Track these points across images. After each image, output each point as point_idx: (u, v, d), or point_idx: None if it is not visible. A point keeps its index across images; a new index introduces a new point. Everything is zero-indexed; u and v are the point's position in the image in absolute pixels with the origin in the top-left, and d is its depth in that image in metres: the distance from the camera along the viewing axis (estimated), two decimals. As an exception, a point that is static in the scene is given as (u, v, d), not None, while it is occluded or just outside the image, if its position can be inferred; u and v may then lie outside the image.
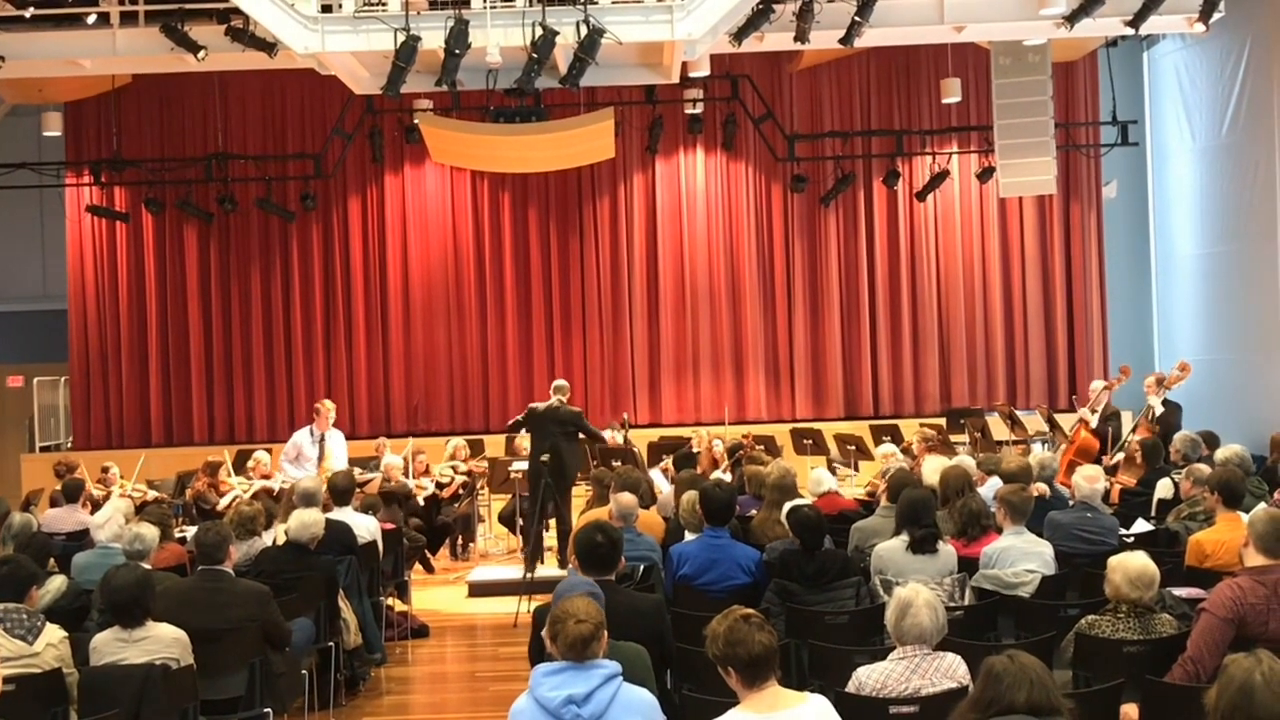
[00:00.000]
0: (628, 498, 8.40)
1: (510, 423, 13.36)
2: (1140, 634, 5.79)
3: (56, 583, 7.27)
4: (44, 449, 18.73)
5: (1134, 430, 12.37)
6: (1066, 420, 14.84)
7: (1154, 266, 18.86)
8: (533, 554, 11.98)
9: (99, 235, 18.83)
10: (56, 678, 5.90)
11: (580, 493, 13.43)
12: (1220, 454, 9.25)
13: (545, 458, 11.99)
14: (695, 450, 14.20)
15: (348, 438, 14.53)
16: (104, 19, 13.50)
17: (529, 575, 11.55)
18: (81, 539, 10.02)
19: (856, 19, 12.70)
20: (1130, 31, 13.65)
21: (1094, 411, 13.11)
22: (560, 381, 13.00)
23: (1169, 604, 6.07)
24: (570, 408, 12.69)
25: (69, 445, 18.94)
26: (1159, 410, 12.39)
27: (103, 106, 18.09)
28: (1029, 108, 15.45)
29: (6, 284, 20.13)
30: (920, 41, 15.92)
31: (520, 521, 13.50)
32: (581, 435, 12.77)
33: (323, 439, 13.63)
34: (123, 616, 6.12)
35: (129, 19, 13.47)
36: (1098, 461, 11.94)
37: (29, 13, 13.39)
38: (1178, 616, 5.96)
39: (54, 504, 11.86)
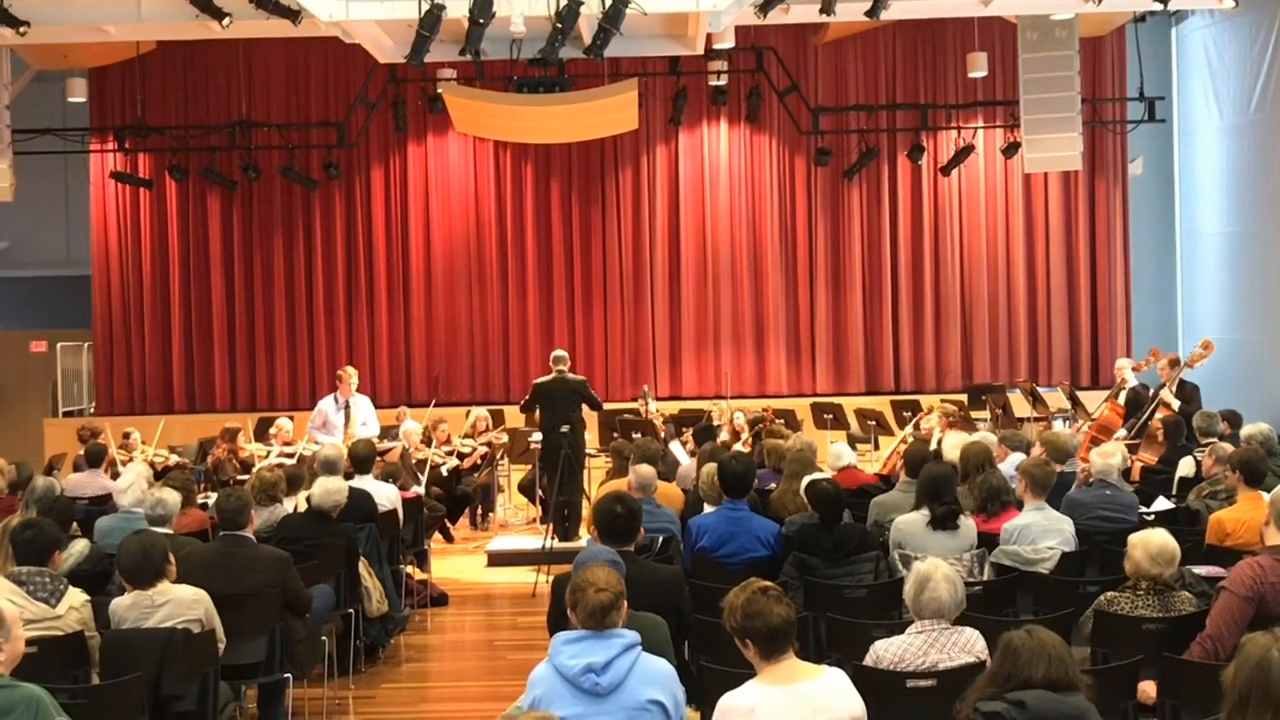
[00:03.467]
0: (647, 469, 8.43)
1: (522, 404, 13.27)
2: (1159, 611, 5.79)
3: (79, 546, 7.31)
4: (67, 414, 18.85)
5: (1154, 409, 12.33)
6: (1088, 397, 14.82)
7: (1179, 244, 18.76)
8: (557, 524, 12.03)
9: (123, 202, 18.89)
10: (78, 640, 5.94)
11: (600, 464, 13.47)
12: (1245, 431, 9.22)
13: (565, 429, 11.98)
14: (715, 423, 14.22)
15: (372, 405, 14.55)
16: (129, -15, 13.50)
17: (549, 545, 11.60)
18: (104, 504, 10.07)
19: (883, -9, 12.62)
20: (1159, 7, 13.51)
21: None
22: (560, 352, 12.84)
23: (1189, 582, 6.06)
24: (575, 376, 12.65)
25: (92, 410, 19.04)
26: (1174, 402, 12.33)
27: (127, 73, 18.13)
28: (1055, 83, 15.35)
29: (31, 250, 20.21)
30: (947, 15, 15.85)
31: (540, 493, 13.54)
32: (588, 402, 12.66)
33: (347, 405, 13.67)
34: (139, 579, 6.18)
35: (154, -15, 13.45)
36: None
37: (55, -22, 13.40)
38: (1197, 595, 5.95)
39: (77, 469, 11.93)
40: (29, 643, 5.05)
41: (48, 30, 13.57)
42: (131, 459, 12.95)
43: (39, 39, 13.75)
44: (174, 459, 13.63)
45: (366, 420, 13.67)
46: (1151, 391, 12.87)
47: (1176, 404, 12.28)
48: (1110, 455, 8.39)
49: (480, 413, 15.07)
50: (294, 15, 12.74)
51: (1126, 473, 9.72)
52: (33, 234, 20.08)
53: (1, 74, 15.19)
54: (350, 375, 13.84)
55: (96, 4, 13.58)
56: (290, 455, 13.22)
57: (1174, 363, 12.69)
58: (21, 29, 12.92)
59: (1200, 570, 6.51)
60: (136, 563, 6.20)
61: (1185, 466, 9.78)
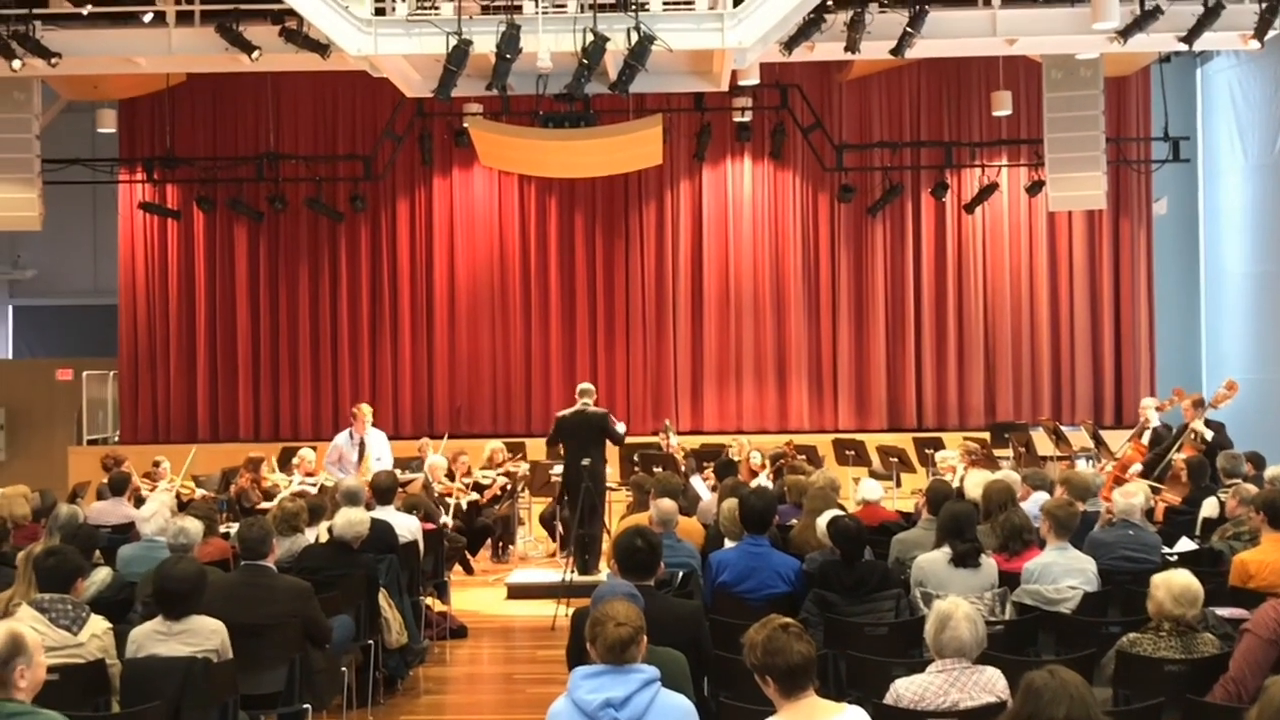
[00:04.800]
0: (668, 504, 8.41)
1: (548, 439, 13.36)
2: (1182, 653, 5.75)
3: (101, 574, 7.34)
4: (91, 442, 18.91)
5: (1179, 449, 12.25)
6: (1111, 436, 14.74)
7: (1203, 284, 18.71)
8: (580, 557, 12.03)
9: (150, 232, 19.02)
10: (99, 668, 5.96)
11: (620, 498, 13.48)
12: (1269, 473, 9.17)
13: (586, 462, 12.00)
14: (735, 459, 14.20)
15: (391, 438, 14.60)
16: (160, 18, 13.63)
17: (568, 578, 11.59)
18: (127, 532, 10.11)
19: (908, 30, 12.67)
20: (1184, 47, 13.56)
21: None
22: (585, 385, 12.96)
23: (1211, 623, 6.01)
24: (597, 409, 12.68)
25: (116, 439, 19.12)
26: (1207, 433, 12.24)
27: (157, 104, 18.30)
28: (1080, 122, 15.37)
29: (59, 279, 20.41)
30: (972, 54, 15.87)
31: (559, 527, 13.55)
32: (609, 435, 12.69)
33: (361, 442, 13.73)
34: (169, 607, 6.15)
35: (185, 18, 13.58)
36: (1146, 474, 11.90)
37: (86, 10, 13.55)
38: (1220, 636, 5.90)
39: (100, 497, 11.98)
40: (50, 670, 5.05)
41: (78, 62, 13.74)
42: (156, 488, 12.98)
43: (70, 70, 13.92)
44: (200, 492, 13.64)
45: (380, 455, 13.73)
46: (1175, 430, 12.79)
47: (1210, 434, 12.16)
48: (1133, 495, 8.34)
49: (495, 445, 15.09)
50: (323, 49, 12.86)
51: (1150, 513, 9.66)
52: (60, 263, 20.27)
53: (32, 104, 15.33)
54: (364, 412, 13.94)
55: (127, 36, 13.74)
56: (312, 486, 13.25)
57: (1198, 403, 12.59)
58: (53, 60, 13.08)
59: (1223, 612, 6.46)
60: (185, 589, 6.18)
61: (1209, 507, 9.71)
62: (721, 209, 18.96)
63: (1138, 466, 12.33)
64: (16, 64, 13.00)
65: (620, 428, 12.92)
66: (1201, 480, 10.57)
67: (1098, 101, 15.37)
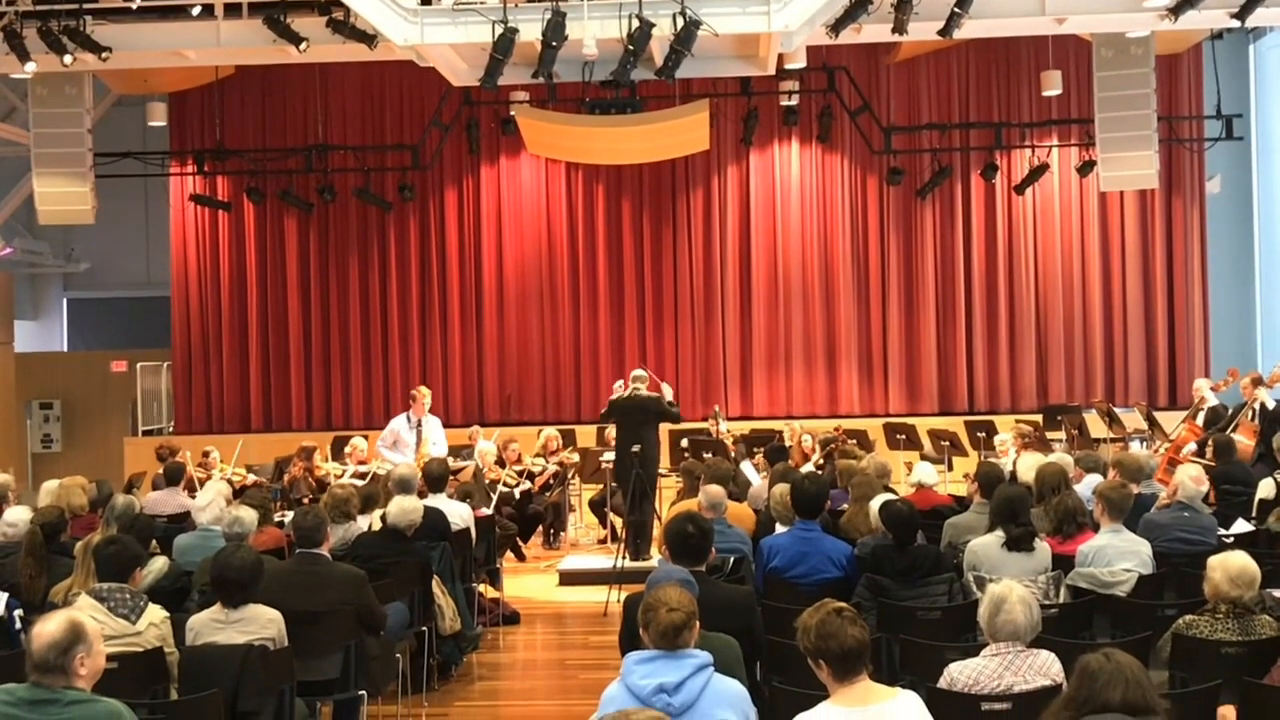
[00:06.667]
0: (717, 489, 8.41)
1: (600, 416, 13.45)
2: (1239, 635, 5.70)
3: (158, 564, 7.41)
4: (146, 433, 19.13)
5: (1234, 429, 12.13)
6: (1166, 418, 14.63)
7: (1258, 262, 18.50)
8: (632, 543, 12.05)
9: (202, 224, 19.19)
10: (157, 656, 6.01)
11: (670, 484, 13.49)
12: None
13: (637, 448, 12.01)
14: (786, 444, 14.18)
15: (442, 425, 14.66)
16: (208, 11, 13.73)
17: (620, 564, 11.61)
18: (182, 521, 10.19)
19: (956, 10, 12.56)
20: (1236, 24, 13.37)
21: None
22: (639, 371, 12.97)
23: (1269, 605, 5.95)
24: (647, 393, 12.67)
25: (170, 429, 19.33)
26: (1270, 402, 12.09)
27: (206, 97, 18.44)
28: (1131, 101, 15.21)
29: (112, 271, 20.61)
30: (1021, 33, 15.73)
31: (609, 512, 13.58)
32: (664, 418, 12.66)
33: (419, 424, 13.78)
34: (228, 595, 6.21)
35: (232, 11, 13.69)
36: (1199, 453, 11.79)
37: (135, 4, 13.66)
38: (1278, 618, 5.85)
39: (155, 487, 12.09)
40: (109, 658, 5.10)
41: (129, 56, 13.86)
42: (209, 477, 13.10)
43: (120, 64, 14.05)
44: (251, 478, 13.77)
45: (436, 440, 13.79)
46: (1232, 409, 12.67)
47: (1273, 403, 11.99)
48: (1201, 482, 8.25)
49: (550, 432, 15.13)
50: (370, 40, 12.92)
51: (1205, 495, 9.59)
52: (113, 256, 20.48)
53: (84, 98, 15.46)
54: (424, 395, 13.97)
55: (176, 30, 13.85)
56: (364, 475, 13.34)
57: (1257, 381, 12.47)
58: (103, 54, 13.20)
59: (1281, 594, 6.41)
60: (243, 578, 6.23)
61: (1265, 488, 9.62)
62: (769, 193, 18.91)
63: (1192, 446, 12.22)
64: (68, 59, 13.12)
65: (668, 390, 12.85)
66: (1229, 456, 10.49)
67: (1149, 80, 15.20)
